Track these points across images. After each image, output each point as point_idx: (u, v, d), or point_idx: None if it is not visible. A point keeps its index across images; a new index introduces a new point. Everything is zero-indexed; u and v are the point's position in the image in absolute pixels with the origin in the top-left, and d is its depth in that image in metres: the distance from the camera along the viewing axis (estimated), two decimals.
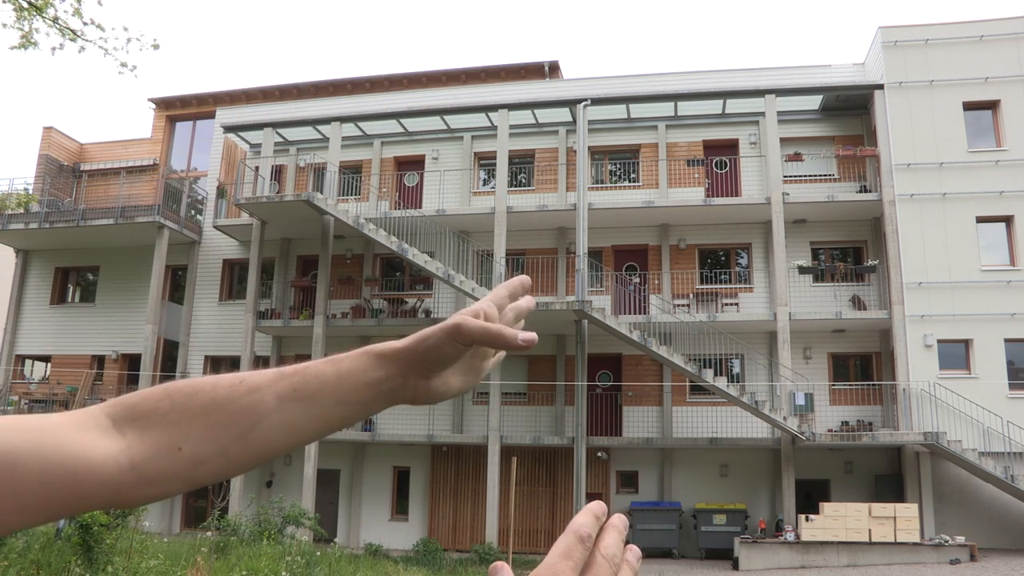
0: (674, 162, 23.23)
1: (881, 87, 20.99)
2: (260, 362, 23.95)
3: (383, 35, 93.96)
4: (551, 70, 26.11)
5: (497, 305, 0.75)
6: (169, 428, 0.66)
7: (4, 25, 7.98)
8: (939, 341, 19.58)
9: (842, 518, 17.31)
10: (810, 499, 19.63)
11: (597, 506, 0.56)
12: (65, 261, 26.96)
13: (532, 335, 0.72)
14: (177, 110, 28.86)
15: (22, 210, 21.98)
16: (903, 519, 17.11)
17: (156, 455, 0.65)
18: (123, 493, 0.64)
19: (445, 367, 0.73)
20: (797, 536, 17.55)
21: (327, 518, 21.27)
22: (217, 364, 24.81)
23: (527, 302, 0.79)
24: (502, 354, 0.80)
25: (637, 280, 22.58)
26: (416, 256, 21.02)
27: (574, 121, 22.69)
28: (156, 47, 8.61)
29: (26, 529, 0.62)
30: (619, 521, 0.57)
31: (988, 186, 20.08)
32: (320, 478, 21.65)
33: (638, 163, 23.69)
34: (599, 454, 21.14)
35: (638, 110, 23.31)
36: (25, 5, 7.93)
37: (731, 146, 23.39)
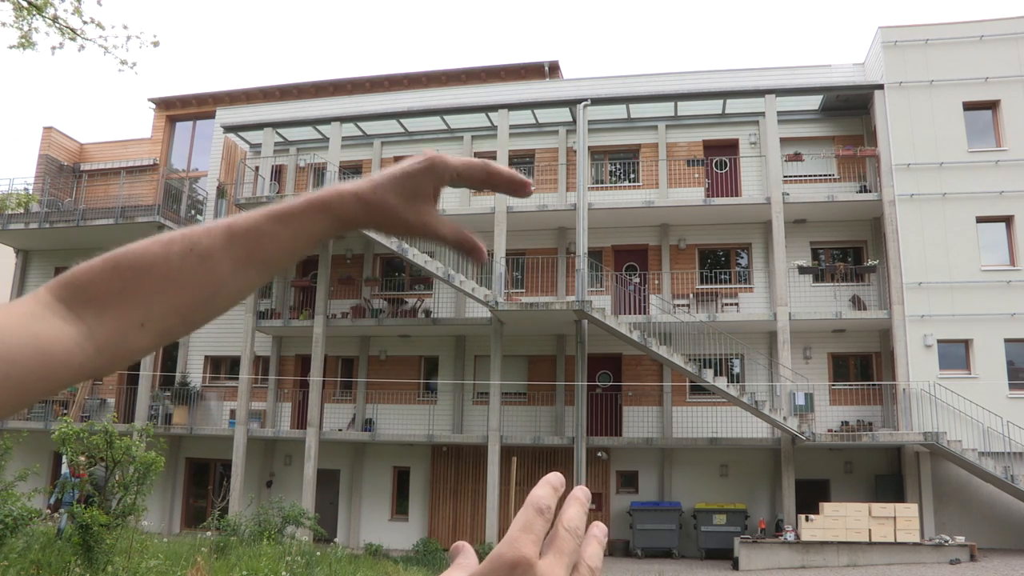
0: (674, 162, 23.23)
1: (881, 87, 20.99)
2: (260, 362, 23.96)
3: (383, 35, 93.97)
4: (551, 70, 26.11)
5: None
6: (127, 307, 0.64)
7: (3, 24, 7.98)
8: (939, 341, 19.57)
9: (842, 518, 17.31)
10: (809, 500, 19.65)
11: (555, 477, 0.54)
12: (65, 261, 26.92)
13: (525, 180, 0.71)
14: (177, 110, 28.85)
15: (22, 210, 21.95)
16: (903, 519, 17.11)
17: (120, 335, 0.63)
18: (95, 371, 0.64)
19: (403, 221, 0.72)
20: (797, 536, 17.55)
21: (327, 518, 21.27)
22: (217, 364, 24.82)
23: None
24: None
25: (637, 280, 22.58)
26: (416, 256, 21.02)
27: (574, 121, 22.69)
28: (156, 44, 8.62)
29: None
30: (580, 493, 0.56)
31: (988, 186, 20.08)
32: (320, 478, 21.64)
33: (638, 163, 23.69)
34: (599, 454, 21.14)
35: (638, 110, 23.31)
36: (25, 4, 7.93)
37: (731, 146, 23.39)
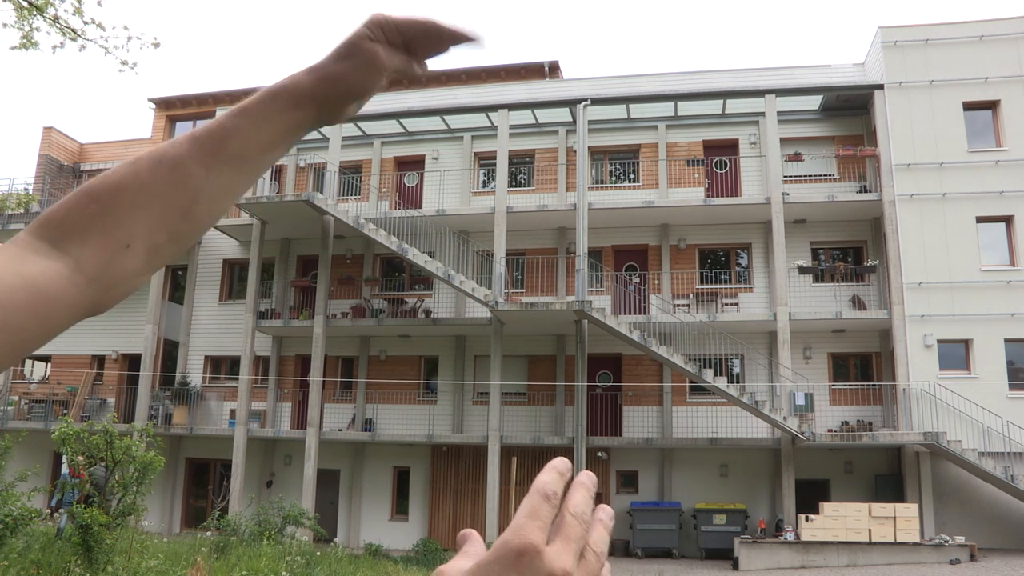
0: (674, 162, 23.23)
1: (881, 87, 20.99)
2: (260, 362, 23.96)
3: None
4: (551, 70, 26.11)
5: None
6: (110, 231, 0.64)
7: (4, 25, 7.99)
8: (939, 341, 19.57)
9: (842, 518, 17.30)
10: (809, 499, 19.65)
11: (560, 463, 0.53)
12: None
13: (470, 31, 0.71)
14: (177, 110, 28.87)
15: (22, 210, 21.94)
16: (903, 519, 17.11)
17: (108, 261, 0.63)
18: (94, 303, 0.63)
19: (364, 98, 0.72)
20: (797, 536, 17.55)
21: (327, 518, 21.26)
22: (217, 364, 24.81)
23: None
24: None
25: (637, 280, 22.58)
26: (416, 256, 21.02)
27: (574, 121, 22.68)
28: (156, 45, 8.62)
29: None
30: (587, 478, 0.54)
31: (988, 186, 20.07)
32: (320, 478, 21.64)
33: (638, 163, 23.69)
34: (599, 454, 21.14)
35: (638, 110, 23.30)
36: (25, 5, 7.94)
37: (731, 146, 23.38)
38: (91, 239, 0.63)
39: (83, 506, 10.16)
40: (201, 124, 0.68)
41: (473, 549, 0.55)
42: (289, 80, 0.70)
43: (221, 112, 0.69)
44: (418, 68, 0.74)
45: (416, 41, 0.72)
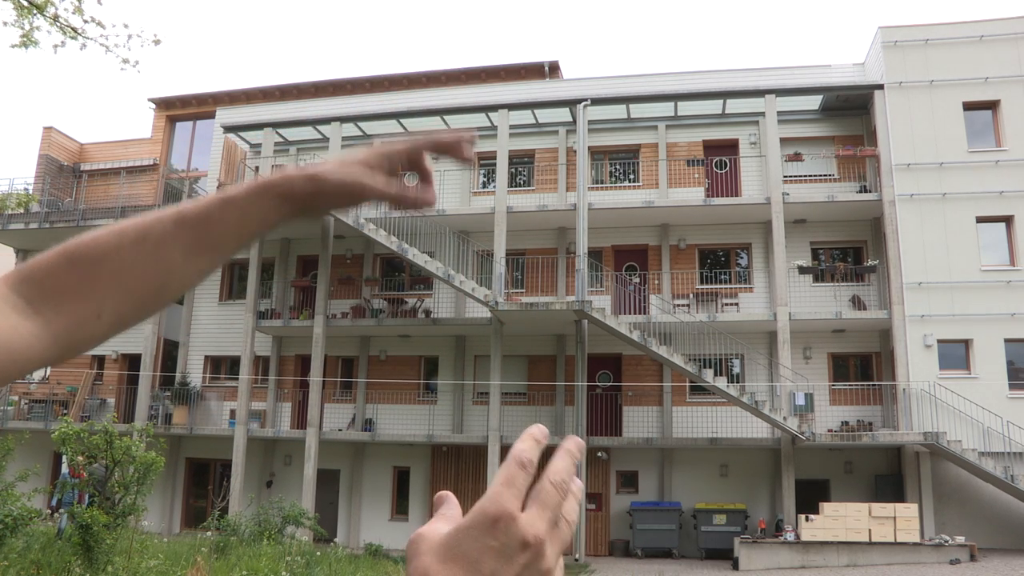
0: (674, 162, 23.23)
1: (881, 87, 20.98)
2: (260, 362, 23.96)
3: (383, 35, 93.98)
4: (551, 70, 26.10)
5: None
6: (84, 300, 0.66)
7: (4, 23, 7.98)
8: (939, 341, 19.57)
9: (842, 518, 17.30)
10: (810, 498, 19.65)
11: (537, 430, 0.54)
12: None
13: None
14: (177, 110, 28.85)
15: (22, 210, 21.94)
16: (903, 519, 17.11)
17: (77, 326, 0.65)
18: (52, 361, 0.66)
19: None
20: (797, 536, 17.55)
21: (327, 518, 21.26)
22: (217, 364, 24.81)
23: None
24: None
25: (637, 280, 22.58)
26: (416, 256, 21.02)
27: (574, 121, 22.68)
28: (157, 43, 8.62)
29: None
30: (572, 444, 0.55)
31: (988, 186, 20.07)
32: (320, 478, 21.64)
33: (638, 163, 23.68)
34: (599, 454, 21.13)
35: (638, 110, 23.30)
36: (26, 4, 7.93)
37: (731, 146, 23.38)
38: (65, 306, 0.65)
39: (83, 506, 10.16)
40: (191, 203, 0.69)
41: (450, 512, 0.56)
42: (282, 179, 0.71)
43: (210, 196, 0.70)
44: (416, 195, 0.76)
45: (420, 161, 0.75)
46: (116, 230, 0.68)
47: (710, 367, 19.62)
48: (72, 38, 8.17)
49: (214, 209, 0.69)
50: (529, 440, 0.53)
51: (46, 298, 0.65)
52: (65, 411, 23.53)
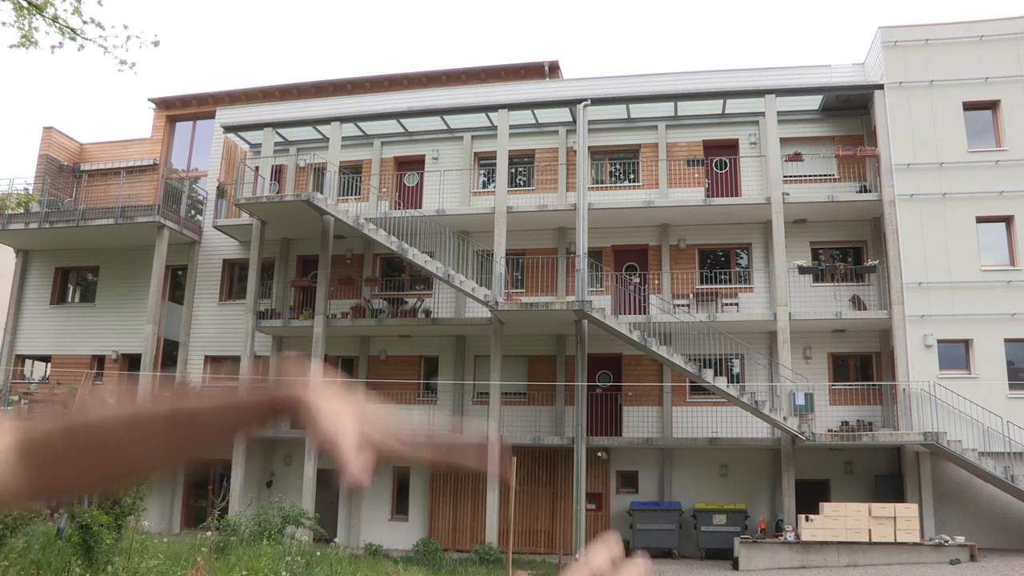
0: (674, 162, 23.23)
1: (881, 87, 20.99)
2: (260, 362, 23.94)
3: (383, 35, 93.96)
4: (551, 70, 26.10)
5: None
6: (65, 466, 0.72)
7: (3, 24, 7.98)
8: (939, 341, 19.57)
9: (842, 518, 17.31)
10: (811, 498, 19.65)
11: (613, 544, 0.56)
12: (65, 261, 26.95)
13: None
14: (177, 110, 28.85)
15: (22, 210, 21.99)
16: (903, 519, 17.11)
17: (51, 480, 0.73)
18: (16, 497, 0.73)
19: None
20: (797, 536, 17.55)
21: (327, 518, 21.25)
22: (217, 364, 24.81)
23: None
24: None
25: (637, 280, 22.58)
26: (416, 256, 21.02)
27: (574, 121, 22.68)
28: (156, 44, 8.62)
29: None
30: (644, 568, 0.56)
31: (988, 186, 20.08)
32: (320, 478, 21.63)
33: (638, 163, 23.68)
34: (599, 454, 21.14)
35: (638, 110, 23.30)
36: (25, 4, 7.93)
37: (731, 146, 23.38)
38: (46, 468, 0.72)
39: (84, 506, 10.15)
40: (190, 400, 0.71)
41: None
42: (267, 396, 0.72)
43: (214, 397, 0.71)
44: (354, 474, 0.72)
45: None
46: (113, 416, 0.72)
47: (710, 367, 19.62)
48: (71, 39, 8.17)
49: (213, 414, 0.71)
50: (605, 556, 0.55)
51: (33, 461, 0.72)
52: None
